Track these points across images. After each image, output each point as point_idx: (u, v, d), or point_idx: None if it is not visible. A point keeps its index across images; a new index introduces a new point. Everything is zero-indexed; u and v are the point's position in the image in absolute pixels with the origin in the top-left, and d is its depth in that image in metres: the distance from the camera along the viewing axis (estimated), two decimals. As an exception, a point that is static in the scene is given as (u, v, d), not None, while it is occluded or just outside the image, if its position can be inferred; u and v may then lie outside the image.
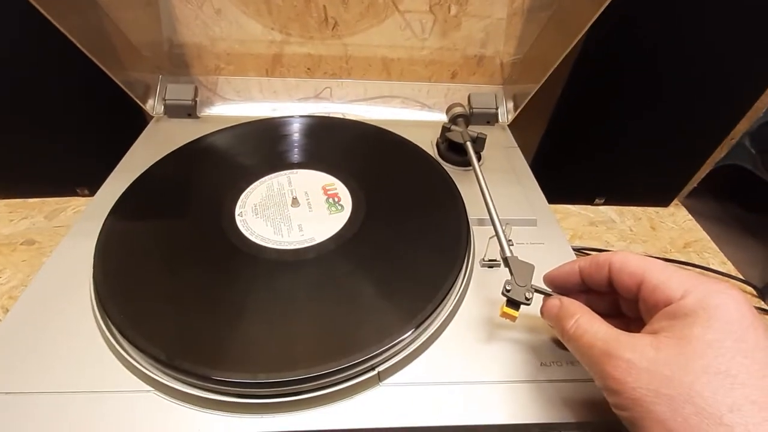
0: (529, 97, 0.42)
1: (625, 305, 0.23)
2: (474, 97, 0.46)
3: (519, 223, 0.34)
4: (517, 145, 0.44)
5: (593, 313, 0.21)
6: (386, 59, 0.63)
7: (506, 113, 0.47)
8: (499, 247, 0.27)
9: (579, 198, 0.57)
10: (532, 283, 0.24)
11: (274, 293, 0.27)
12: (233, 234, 0.31)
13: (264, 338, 0.25)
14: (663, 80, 0.47)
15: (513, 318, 0.24)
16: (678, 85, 0.47)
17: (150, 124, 0.44)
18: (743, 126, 0.78)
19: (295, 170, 0.37)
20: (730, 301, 0.18)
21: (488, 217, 0.34)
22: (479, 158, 0.40)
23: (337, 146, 0.40)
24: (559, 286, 0.25)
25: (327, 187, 0.35)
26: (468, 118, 0.41)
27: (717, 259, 0.51)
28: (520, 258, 0.26)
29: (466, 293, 0.29)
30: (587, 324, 0.20)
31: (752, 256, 0.60)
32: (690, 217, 0.57)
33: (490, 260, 0.31)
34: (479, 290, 0.29)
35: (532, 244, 0.33)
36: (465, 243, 0.30)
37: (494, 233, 0.30)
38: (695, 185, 0.65)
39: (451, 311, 0.27)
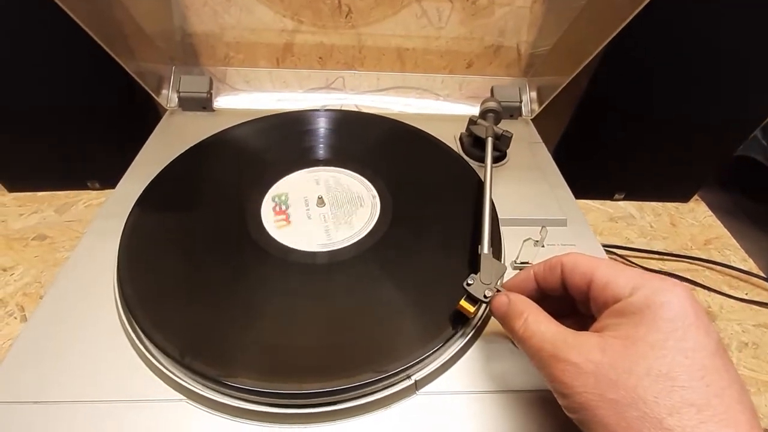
0: (558, 91, 0.41)
1: (580, 307, 0.23)
2: (498, 89, 0.45)
3: (549, 223, 0.33)
4: (541, 140, 0.43)
5: (542, 311, 0.21)
6: (401, 49, 0.62)
7: (530, 107, 0.45)
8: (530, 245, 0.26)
9: (599, 193, 0.56)
10: (498, 285, 0.24)
11: (305, 299, 0.26)
12: (262, 237, 0.30)
13: (297, 346, 0.24)
14: (689, 76, 0.45)
15: (469, 313, 0.24)
16: (704, 81, 0.46)
17: (164, 117, 0.42)
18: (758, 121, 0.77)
19: (320, 168, 0.36)
20: (675, 298, 0.18)
21: (519, 218, 0.33)
22: (505, 156, 0.39)
23: (362, 143, 0.39)
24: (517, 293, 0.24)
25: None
26: (499, 115, 0.39)
27: (738, 256, 0.51)
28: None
29: (498, 297, 0.28)
30: (535, 325, 0.20)
31: (764, 248, 0.60)
32: (710, 212, 0.56)
33: (522, 262, 0.30)
34: (512, 294, 0.29)
35: (563, 246, 0.32)
36: (497, 246, 0.29)
37: (526, 237, 0.30)
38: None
39: (485, 316, 0.27)
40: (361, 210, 0.32)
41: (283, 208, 0.32)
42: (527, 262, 0.30)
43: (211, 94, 0.43)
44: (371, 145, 0.39)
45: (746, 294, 0.47)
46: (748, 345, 0.42)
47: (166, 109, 0.43)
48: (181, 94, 0.42)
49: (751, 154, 1.27)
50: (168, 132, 0.40)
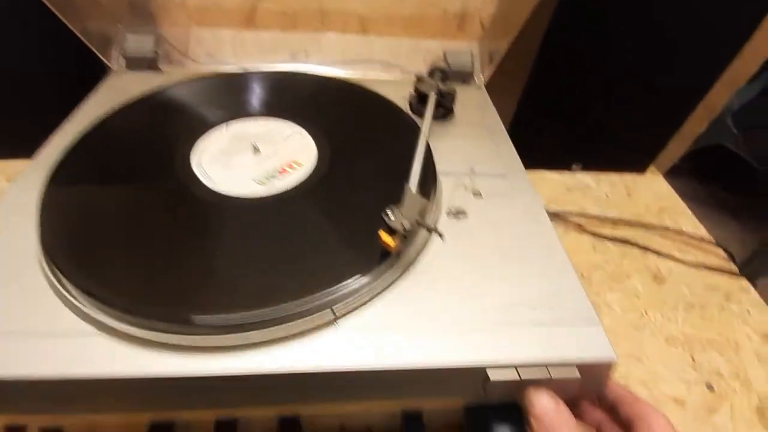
0: (502, 54, 0.41)
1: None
2: (450, 55, 0.45)
3: (487, 176, 0.34)
4: (492, 104, 0.43)
5: None
6: (363, 18, 0.61)
7: (481, 72, 0.45)
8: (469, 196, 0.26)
9: (556, 163, 0.56)
10: (419, 219, 0.23)
11: (228, 235, 0.26)
12: (188, 178, 0.29)
13: (216, 279, 0.24)
14: (638, 45, 0.46)
15: (389, 246, 0.23)
16: (653, 49, 0.46)
17: (107, 78, 0.41)
18: (721, 98, 0.78)
19: (256, 119, 0.35)
20: None
21: (458, 170, 0.33)
22: (451, 113, 0.39)
23: (302, 98, 0.38)
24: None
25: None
26: (446, 74, 0.39)
27: (690, 223, 0.52)
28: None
29: (428, 241, 0.28)
30: None
31: (732, 233, 0.61)
32: (666, 184, 0.57)
33: (456, 210, 0.30)
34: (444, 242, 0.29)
35: (499, 197, 0.32)
36: (429, 190, 0.29)
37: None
38: (676, 161, 0.65)
39: (414, 257, 0.27)
40: (297, 157, 0.32)
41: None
42: (462, 211, 0.30)
43: (157, 53, 0.42)
44: (310, 100, 0.38)
45: (696, 258, 0.47)
46: (695, 306, 0.43)
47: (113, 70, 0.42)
48: (127, 53, 0.41)
49: (722, 142, 1.29)
50: (108, 93, 0.39)
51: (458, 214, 0.30)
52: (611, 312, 0.42)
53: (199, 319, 0.22)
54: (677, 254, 0.47)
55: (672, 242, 0.49)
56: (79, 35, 0.38)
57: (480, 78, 0.45)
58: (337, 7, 0.56)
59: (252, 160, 0.31)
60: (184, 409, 0.23)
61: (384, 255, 0.25)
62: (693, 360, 0.39)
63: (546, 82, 0.49)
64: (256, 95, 0.38)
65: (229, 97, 0.37)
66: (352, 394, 0.23)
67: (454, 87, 0.37)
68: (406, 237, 0.23)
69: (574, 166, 0.57)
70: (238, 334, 0.21)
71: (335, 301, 0.23)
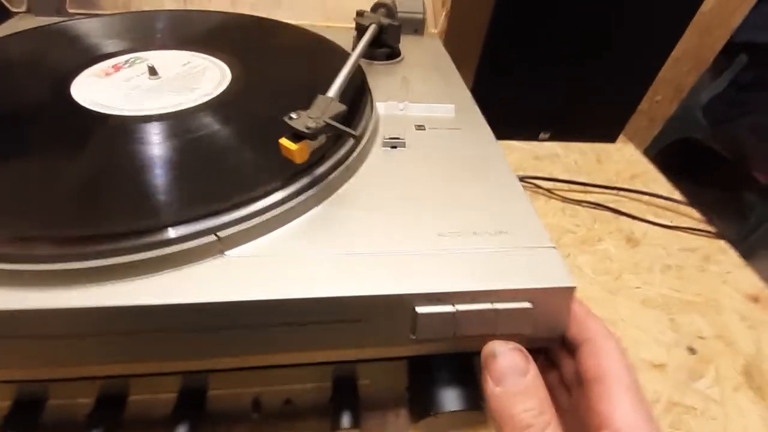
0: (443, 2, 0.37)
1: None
2: (399, 2, 0.41)
3: (434, 111, 0.30)
4: (445, 51, 0.39)
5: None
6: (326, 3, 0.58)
7: (435, 22, 0.42)
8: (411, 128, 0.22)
9: (523, 133, 0.53)
10: (329, 120, 0.19)
11: (107, 153, 0.21)
12: (64, 100, 0.24)
13: (99, 199, 0.19)
14: (593, 12, 0.43)
15: (291, 154, 0.19)
16: (608, 18, 0.44)
17: (6, 23, 0.36)
18: (689, 79, 0.77)
19: (162, 51, 0.30)
20: None
21: (402, 106, 0.29)
22: (398, 55, 0.35)
23: (222, 35, 0.34)
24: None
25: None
26: (391, 11, 0.36)
27: (665, 189, 0.48)
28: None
29: (358, 170, 0.24)
30: None
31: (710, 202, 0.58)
32: (638, 152, 0.54)
33: (392, 138, 0.26)
34: (375, 170, 0.24)
35: (448, 130, 0.28)
36: (359, 108, 0.25)
37: (409, 124, 0.26)
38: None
39: (336, 185, 0.22)
40: (202, 84, 0.27)
41: (100, 81, 0.26)
42: (401, 141, 0.26)
43: (66, -5, 0.37)
44: (229, 35, 0.34)
45: (671, 221, 0.44)
46: (672, 267, 0.39)
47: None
48: (31, -7, 0.36)
49: (692, 135, 1.29)
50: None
51: (395, 143, 0.26)
52: (583, 275, 0.38)
53: (50, 240, 0.16)
54: (652, 218, 0.44)
55: (646, 206, 0.46)
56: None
57: (433, 28, 0.42)
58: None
59: (147, 83, 0.26)
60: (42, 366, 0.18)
61: (287, 175, 0.20)
62: (672, 322, 0.35)
63: (501, 45, 0.45)
64: (166, 31, 0.33)
65: (133, 32, 0.33)
66: (250, 344, 0.18)
67: (398, 21, 0.33)
68: (312, 139, 0.19)
69: (541, 135, 0.53)
70: (105, 260, 0.16)
71: (221, 227, 0.18)
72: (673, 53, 0.74)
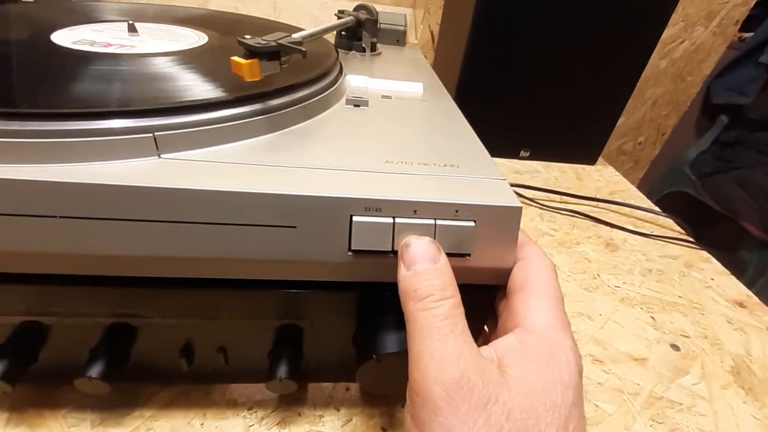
0: (423, 17, 0.40)
1: None
2: (382, 15, 0.44)
3: (403, 87, 0.31)
4: (423, 58, 0.42)
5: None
6: (316, 18, 0.63)
7: (416, 32, 0.45)
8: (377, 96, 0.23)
9: (504, 150, 0.54)
10: (282, 41, 0.19)
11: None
12: (45, 44, 0.25)
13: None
14: (569, 35, 0.46)
15: (240, 70, 0.19)
16: (582, 40, 0.47)
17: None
18: (670, 121, 0.80)
19: (142, 22, 0.32)
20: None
21: (370, 82, 0.30)
22: (375, 48, 0.37)
23: (204, 19, 0.36)
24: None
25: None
26: (371, 11, 0.38)
27: (644, 204, 0.48)
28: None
29: (316, 116, 0.24)
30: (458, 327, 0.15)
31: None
32: (617, 173, 0.55)
33: (356, 97, 0.27)
34: (334, 119, 0.24)
35: (414, 101, 0.29)
36: (325, 71, 0.26)
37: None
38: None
39: (288, 116, 0.22)
40: (179, 42, 0.28)
41: (84, 40, 0.27)
42: (365, 102, 0.27)
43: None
44: (210, 20, 0.36)
45: (651, 232, 0.43)
46: (652, 271, 0.38)
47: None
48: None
49: (682, 189, 1.32)
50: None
51: (358, 101, 0.26)
52: (559, 273, 0.36)
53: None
54: (631, 228, 0.43)
55: (626, 218, 0.45)
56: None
57: (414, 39, 0.44)
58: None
59: (125, 38, 0.28)
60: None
61: (239, 96, 0.20)
62: (653, 320, 0.32)
63: (480, 64, 0.48)
64: (154, 14, 0.35)
65: (124, 14, 0.35)
66: (180, 242, 0.17)
67: (377, 18, 0.35)
68: (262, 58, 0.19)
69: (522, 152, 0.54)
70: (41, 139, 0.16)
71: (160, 128, 0.18)
72: (651, 98, 0.78)
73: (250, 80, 0.19)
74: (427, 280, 0.15)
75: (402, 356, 0.19)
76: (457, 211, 0.18)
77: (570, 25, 0.46)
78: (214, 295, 0.20)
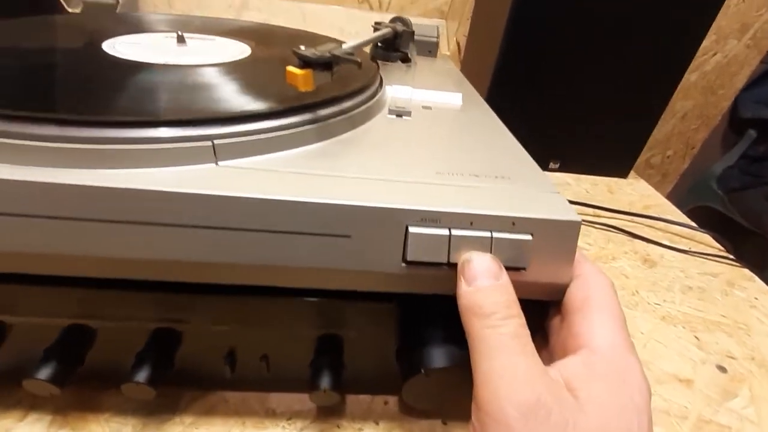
0: (456, 29, 0.41)
1: None
2: (416, 26, 0.45)
3: (443, 97, 0.30)
4: (456, 68, 0.42)
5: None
6: (344, 30, 0.64)
7: (449, 44, 0.45)
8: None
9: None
10: (335, 52, 0.20)
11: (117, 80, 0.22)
12: (98, 54, 0.26)
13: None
14: (602, 45, 0.46)
15: (295, 80, 0.19)
16: (617, 49, 0.46)
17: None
18: (700, 135, 0.78)
19: (189, 33, 0.32)
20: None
21: (411, 92, 0.30)
22: (408, 59, 0.38)
23: (247, 31, 0.37)
24: None
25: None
26: (407, 23, 0.38)
27: (680, 219, 0.47)
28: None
29: (361, 125, 0.24)
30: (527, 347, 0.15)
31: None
32: (650, 187, 0.54)
33: (398, 107, 0.27)
34: (378, 128, 0.24)
35: (455, 111, 0.29)
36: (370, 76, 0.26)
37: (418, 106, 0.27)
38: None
39: (335, 126, 0.22)
40: (226, 53, 0.28)
41: (135, 46, 0.28)
42: (407, 112, 0.27)
43: (118, 2, 0.41)
44: (254, 32, 0.36)
45: (689, 248, 0.42)
46: (693, 288, 0.37)
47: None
48: (87, -2, 0.41)
49: (709, 203, 1.29)
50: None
51: (401, 112, 0.26)
52: (595, 288, 0.35)
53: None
54: (668, 243, 0.42)
55: (662, 233, 0.44)
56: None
57: (446, 51, 0.45)
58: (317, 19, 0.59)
59: (175, 48, 0.28)
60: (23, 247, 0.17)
61: (290, 106, 0.20)
62: (697, 339, 0.31)
63: (511, 73, 0.48)
64: (200, 26, 0.36)
65: (169, 24, 0.36)
66: (234, 249, 0.17)
67: (411, 27, 0.36)
68: (316, 68, 0.19)
69: (552, 164, 0.54)
70: (100, 146, 0.16)
71: (218, 136, 0.18)
72: (681, 111, 0.76)
73: (303, 90, 0.20)
74: (491, 297, 0.15)
75: (452, 371, 0.18)
76: (514, 224, 0.17)
77: (604, 36, 0.45)
78: (260, 303, 0.20)
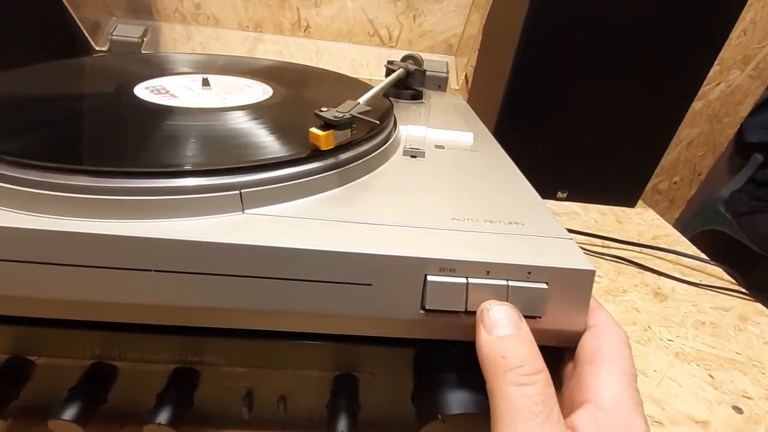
0: (465, 64, 0.42)
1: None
2: (427, 62, 0.46)
3: (454, 136, 0.31)
4: (465, 102, 0.43)
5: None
6: (355, 63, 0.66)
7: (458, 79, 0.46)
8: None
9: (541, 191, 0.54)
10: (354, 112, 0.21)
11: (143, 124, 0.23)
12: (123, 93, 0.27)
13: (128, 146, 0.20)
14: (609, 74, 0.47)
15: (317, 140, 0.20)
16: (623, 79, 0.47)
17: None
18: (707, 162, 0.79)
19: (214, 74, 0.34)
20: None
21: (423, 131, 0.31)
22: (420, 96, 0.39)
23: (267, 70, 0.38)
24: None
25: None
26: (419, 61, 0.40)
27: (690, 250, 0.47)
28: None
29: (377, 168, 0.25)
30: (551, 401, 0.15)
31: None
32: (659, 216, 0.54)
33: (412, 148, 0.27)
34: (394, 171, 0.25)
35: (467, 151, 0.30)
36: (385, 121, 0.27)
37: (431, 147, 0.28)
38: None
39: (353, 171, 0.23)
40: (249, 94, 0.30)
41: (162, 90, 0.30)
42: (421, 152, 0.28)
43: (143, 40, 0.43)
44: (285, 76, 0.38)
45: (700, 280, 0.42)
46: (705, 324, 0.36)
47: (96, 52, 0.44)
48: (114, 37, 0.43)
49: (716, 227, 1.28)
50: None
51: (415, 153, 0.27)
52: (606, 323, 0.35)
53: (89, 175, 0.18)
54: (679, 276, 0.42)
55: (672, 265, 0.44)
56: (70, 10, 0.40)
57: (455, 85, 0.46)
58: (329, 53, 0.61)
59: (200, 91, 0.30)
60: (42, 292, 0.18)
61: (311, 153, 0.21)
62: (712, 378, 0.31)
63: (518, 105, 0.49)
64: (223, 66, 0.38)
65: (193, 65, 0.37)
66: (257, 296, 0.17)
67: (423, 67, 0.37)
68: (338, 129, 0.20)
69: (559, 194, 0.54)
70: (129, 197, 0.17)
71: (245, 185, 0.19)
72: (686, 138, 0.77)
73: (324, 149, 0.21)
74: (513, 347, 0.15)
75: (470, 418, 0.18)
76: (529, 273, 0.18)
77: (611, 66, 0.47)
78: (278, 346, 0.20)
